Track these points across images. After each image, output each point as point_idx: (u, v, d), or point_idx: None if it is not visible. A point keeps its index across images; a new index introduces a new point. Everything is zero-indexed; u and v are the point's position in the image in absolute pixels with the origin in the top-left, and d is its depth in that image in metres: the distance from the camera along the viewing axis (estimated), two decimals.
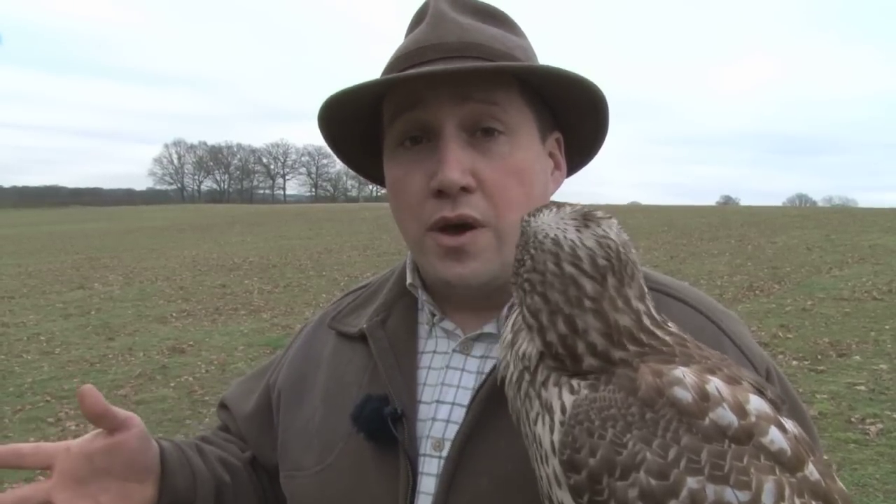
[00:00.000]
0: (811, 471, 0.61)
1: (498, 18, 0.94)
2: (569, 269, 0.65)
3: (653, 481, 0.57)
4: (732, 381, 0.63)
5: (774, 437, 0.60)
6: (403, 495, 0.84)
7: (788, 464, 0.60)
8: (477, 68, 0.84)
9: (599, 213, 0.69)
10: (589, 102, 0.91)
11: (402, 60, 0.89)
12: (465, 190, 0.85)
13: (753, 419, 0.60)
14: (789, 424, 0.63)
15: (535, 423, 0.66)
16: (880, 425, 5.10)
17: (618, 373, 0.63)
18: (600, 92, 0.89)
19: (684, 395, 0.60)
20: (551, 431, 0.64)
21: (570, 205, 0.71)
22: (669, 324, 0.69)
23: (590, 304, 0.64)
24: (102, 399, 0.82)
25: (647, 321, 0.66)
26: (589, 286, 0.64)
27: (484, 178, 0.85)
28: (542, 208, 0.71)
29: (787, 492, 0.58)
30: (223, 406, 1.13)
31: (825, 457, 0.95)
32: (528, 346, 0.67)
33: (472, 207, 0.85)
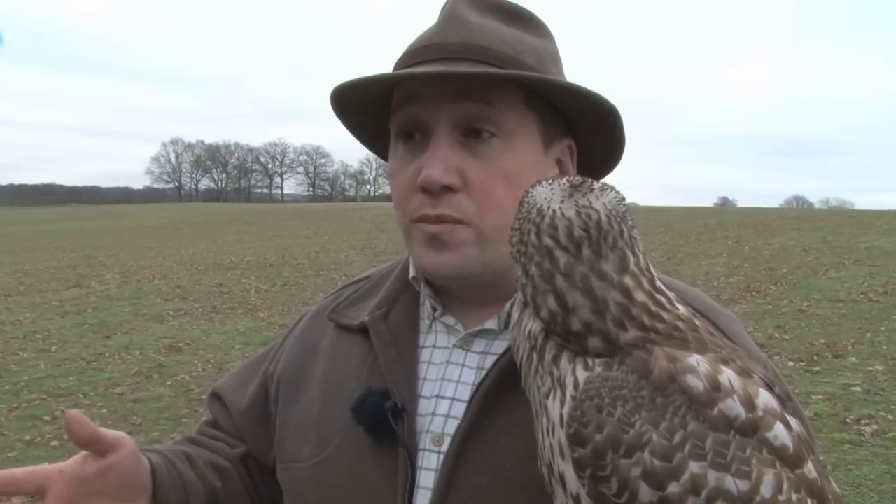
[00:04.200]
0: (810, 469, 0.62)
1: (521, 19, 0.93)
2: (546, 240, 0.64)
3: (656, 462, 0.57)
4: (744, 373, 0.64)
5: (779, 433, 0.61)
6: (402, 490, 0.84)
7: (789, 460, 0.61)
8: (466, 73, 0.84)
9: (594, 184, 0.68)
10: (598, 113, 0.90)
11: (406, 57, 0.91)
12: (449, 189, 0.85)
13: (761, 413, 0.61)
14: (794, 422, 0.64)
15: (547, 398, 0.66)
16: (875, 426, 5.12)
17: (633, 354, 0.63)
18: (607, 103, 0.88)
19: (696, 383, 0.61)
20: (561, 405, 0.64)
21: (571, 176, 0.71)
22: (679, 305, 0.68)
23: (561, 280, 0.63)
24: (90, 424, 0.81)
25: (642, 298, 0.65)
26: (563, 259, 0.64)
27: (470, 178, 0.86)
28: (541, 180, 0.71)
29: (785, 486, 0.59)
30: (216, 396, 1.11)
31: (821, 457, 0.96)
32: (533, 324, 0.67)
33: (452, 207, 0.86)
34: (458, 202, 0.86)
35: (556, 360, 0.66)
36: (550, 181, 0.70)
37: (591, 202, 0.66)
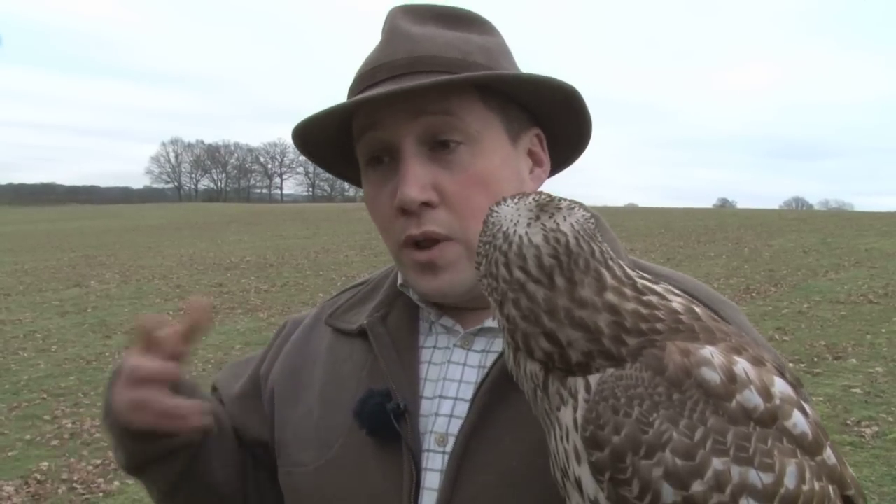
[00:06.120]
0: (829, 455, 0.62)
1: (462, 20, 0.93)
2: (517, 273, 0.62)
3: (678, 461, 0.57)
4: (758, 362, 0.63)
5: (797, 421, 0.61)
6: (408, 491, 0.84)
7: (809, 448, 0.61)
8: (418, 87, 0.83)
9: (562, 203, 0.65)
10: (559, 97, 0.90)
11: (358, 82, 0.91)
12: (427, 205, 0.85)
13: (778, 402, 0.61)
14: (808, 408, 0.64)
15: (558, 409, 0.65)
16: (875, 428, 5.12)
17: (644, 352, 0.61)
18: (565, 85, 0.88)
19: (712, 376, 0.60)
20: (574, 410, 0.63)
21: (537, 194, 0.67)
22: (672, 297, 0.66)
23: (547, 319, 0.61)
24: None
25: (631, 307, 0.62)
26: (540, 294, 0.61)
27: (446, 191, 0.86)
28: (507, 197, 0.68)
29: (807, 475, 0.59)
30: (213, 389, 1.13)
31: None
32: (530, 364, 0.65)
33: (436, 223, 0.86)
34: (440, 217, 0.86)
35: (563, 384, 0.64)
36: (516, 200, 0.66)
37: (558, 224, 0.63)
